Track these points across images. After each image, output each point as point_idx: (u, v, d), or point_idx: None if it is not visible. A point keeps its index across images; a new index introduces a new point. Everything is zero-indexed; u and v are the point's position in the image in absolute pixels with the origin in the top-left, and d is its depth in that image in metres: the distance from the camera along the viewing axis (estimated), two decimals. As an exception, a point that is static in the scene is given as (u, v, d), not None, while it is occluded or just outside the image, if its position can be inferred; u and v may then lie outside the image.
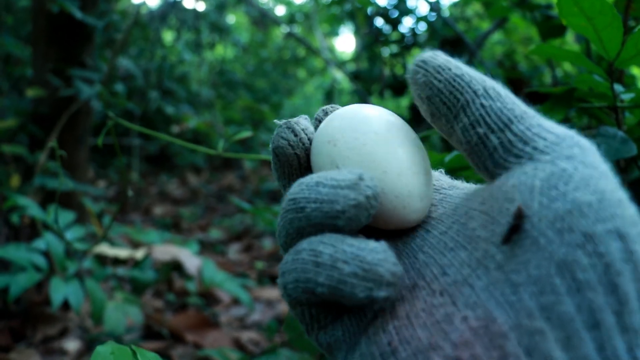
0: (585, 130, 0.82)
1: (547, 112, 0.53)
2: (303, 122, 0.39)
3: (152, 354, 0.37)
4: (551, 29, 1.09)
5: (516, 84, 2.66)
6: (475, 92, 0.33)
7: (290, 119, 0.39)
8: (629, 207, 0.26)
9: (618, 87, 0.60)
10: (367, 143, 0.35)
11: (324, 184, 0.32)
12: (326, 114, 0.41)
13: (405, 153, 0.36)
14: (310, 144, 0.39)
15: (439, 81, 0.35)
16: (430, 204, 0.37)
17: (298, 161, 0.39)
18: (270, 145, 0.39)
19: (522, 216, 0.27)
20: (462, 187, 0.39)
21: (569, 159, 0.29)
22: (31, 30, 1.82)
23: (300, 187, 0.33)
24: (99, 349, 0.35)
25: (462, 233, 0.32)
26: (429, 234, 0.35)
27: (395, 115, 0.39)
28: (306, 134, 0.39)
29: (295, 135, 0.38)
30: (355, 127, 0.36)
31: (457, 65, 0.35)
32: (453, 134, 0.35)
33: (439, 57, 0.36)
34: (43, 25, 1.75)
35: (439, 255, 0.32)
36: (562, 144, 0.30)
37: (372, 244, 0.30)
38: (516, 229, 0.27)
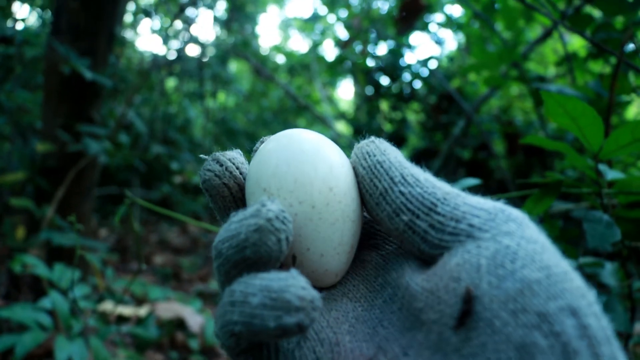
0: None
1: (536, 202, 0.57)
2: (230, 153, 0.38)
3: None
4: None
5: (513, 138, 2.72)
6: (392, 179, 0.34)
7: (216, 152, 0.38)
8: (575, 279, 0.27)
9: (605, 169, 0.64)
10: (298, 214, 0.34)
11: (233, 222, 0.31)
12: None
13: (337, 231, 0.35)
14: (241, 173, 0.38)
15: (363, 167, 0.36)
16: (345, 271, 0.37)
17: (229, 192, 0.37)
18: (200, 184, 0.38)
19: (471, 298, 0.27)
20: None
21: (509, 235, 0.29)
22: (43, 87, 1.88)
23: (219, 232, 0.32)
24: None
25: (411, 313, 0.32)
26: (388, 307, 0.34)
27: (345, 164, 0.37)
28: (234, 163, 0.38)
29: (221, 165, 0.37)
30: (293, 190, 0.34)
31: (383, 152, 0.36)
32: (381, 222, 0.35)
33: (371, 144, 0.37)
34: (55, 82, 1.80)
35: (399, 334, 0.32)
36: (497, 219, 0.31)
37: (282, 273, 0.29)
38: (468, 313, 0.27)
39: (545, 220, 0.65)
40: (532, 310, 0.25)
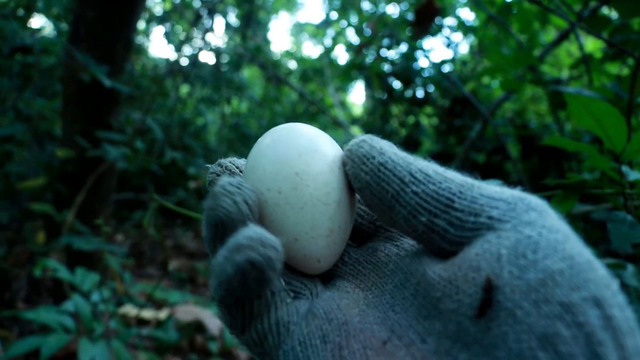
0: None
1: (560, 202, 0.57)
2: (233, 158, 0.40)
3: None
4: (561, 102, 1.14)
5: (527, 142, 2.72)
6: (401, 180, 0.33)
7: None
8: (599, 268, 0.26)
9: (628, 170, 0.64)
10: (267, 201, 0.35)
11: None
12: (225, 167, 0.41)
13: (307, 215, 0.35)
14: (241, 172, 0.40)
15: (365, 173, 0.34)
16: (336, 257, 0.38)
17: None
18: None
19: (492, 288, 0.27)
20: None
21: (530, 224, 0.28)
22: (62, 94, 1.91)
23: None
24: None
25: (427, 302, 0.31)
26: (399, 292, 0.34)
27: (330, 151, 0.37)
28: (234, 164, 0.40)
29: (222, 167, 0.39)
30: (262, 178, 0.36)
31: (381, 151, 0.34)
32: (395, 224, 0.34)
33: (365, 144, 0.35)
34: (73, 90, 1.83)
35: (414, 321, 0.31)
36: (517, 209, 0.30)
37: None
38: (488, 303, 0.27)
39: (567, 221, 0.66)
40: (555, 301, 0.25)
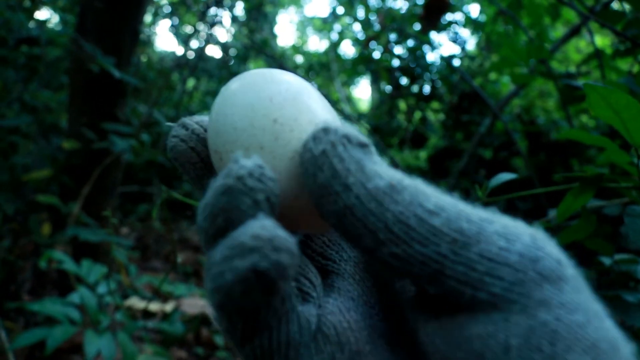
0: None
1: (576, 196, 0.56)
2: (198, 117, 0.34)
3: None
4: (573, 97, 1.13)
5: (535, 138, 2.70)
6: (375, 236, 0.25)
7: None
8: (622, 347, 0.23)
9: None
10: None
11: (209, 188, 0.27)
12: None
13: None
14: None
15: (329, 214, 0.27)
16: None
17: (198, 157, 0.33)
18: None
19: None
20: None
21: (545, 304, 0.23)
22: (68, 86, 1.90)
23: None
24: None
25: None
26: (403, 328, 0.30)
27: (294, 89, 0.31)
28: (201, 126, 0.33)
29: (187, 129, 0.33)
30: (236, 139, 0.29)
31: (345, 186, 0.26)
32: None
33: (324, 171, 0.26)
34: (80, 82, 1.83)
35: None
36: (526, 281, 0.24)
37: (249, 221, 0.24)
38: None
39: (582, 216, 0.65)
40: None
